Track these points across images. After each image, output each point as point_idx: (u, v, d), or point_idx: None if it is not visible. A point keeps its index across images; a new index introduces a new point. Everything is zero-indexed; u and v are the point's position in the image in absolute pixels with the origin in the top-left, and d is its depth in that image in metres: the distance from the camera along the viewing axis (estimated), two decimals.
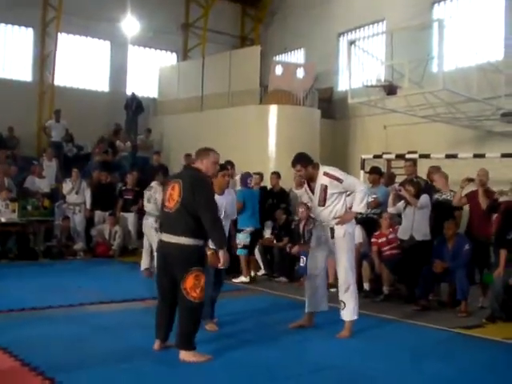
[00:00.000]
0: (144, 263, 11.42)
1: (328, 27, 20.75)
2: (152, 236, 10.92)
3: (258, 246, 12.09)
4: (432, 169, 10.88)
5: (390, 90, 12.77)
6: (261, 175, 13.09)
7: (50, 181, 15.92)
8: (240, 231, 11.39)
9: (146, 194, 11.44)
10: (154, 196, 11.09)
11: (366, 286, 10.04)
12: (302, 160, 7.45)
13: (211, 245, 6.35)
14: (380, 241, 10.15)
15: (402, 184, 10.44)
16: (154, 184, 11.30)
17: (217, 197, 7.09)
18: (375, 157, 14.41)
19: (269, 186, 13.45)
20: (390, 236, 10.08)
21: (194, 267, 5.98)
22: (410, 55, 12.92)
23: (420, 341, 7.31)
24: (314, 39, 21.37)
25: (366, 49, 14.49)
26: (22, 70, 20.56)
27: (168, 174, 11.26)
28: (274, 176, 13.16)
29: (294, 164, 7.45)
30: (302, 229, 11.54)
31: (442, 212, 9.82)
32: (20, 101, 19.48)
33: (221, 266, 6.28)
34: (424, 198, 9.80)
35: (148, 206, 11.35)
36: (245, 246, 11.45)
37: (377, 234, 10.28)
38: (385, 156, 14.35)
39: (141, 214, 13.85)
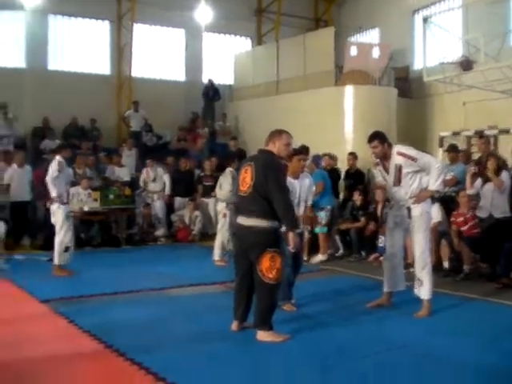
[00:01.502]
0: (216, 253, 11.41)
1: (402, 5, 20.47)
2: (220, 222, 11.22)
3: (335, 227, 12.14)
4: None
5: (467, 65, 12.58)
6: (330, 156, 13.10)
7: (131, 170, 16.24)
8: (320, 210, 11.49)
9: (220, 179, 11.57)
10: (222, 182, 11.24)
11: (446, 264, 9.93)
12: (378, 136, 7.41)
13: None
14: (458, 220, 9.99)
15: (477, 163, 10.26)
16: (227, 170, 11.38)
17: (291, 181, 7.14)
18: (454, 134, 14.17)
19: (345, 167, 13.42)
20: (468, 215, 9.91)
21: (269, 248, 6.03)
22: (487, 29, 12.64)
23: (501, 319, 7.21)
24: (389, 18, 21.08)
25: (442, 25, 14.22)
26: (100, 63, 20.93)
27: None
28: (351, 157, 13.14)
29: (370, 140, 7.40)
30: (380, 211, 11.50)
31: None
32: (100, 93, 19.91)
33: (292, 248, 6.32)
34: (505, 177, 9.63)
35: (218, 192, 11.53)
36: (325, 225, 11.55)
37: (455, 213, 10.13)
38: (463, 133, 14.11)
39: None
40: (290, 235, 6.15)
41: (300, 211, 7.54)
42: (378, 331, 6.53)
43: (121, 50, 20.78)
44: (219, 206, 11.57)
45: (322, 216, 11.66)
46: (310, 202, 8.10)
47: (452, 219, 10.12)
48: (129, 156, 16.92)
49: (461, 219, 9.97)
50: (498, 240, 9.20)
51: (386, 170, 7.43)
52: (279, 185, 6.07)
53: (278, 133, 6.44)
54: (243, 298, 6.37)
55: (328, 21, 24.24)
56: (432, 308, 7.23)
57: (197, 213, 14.95)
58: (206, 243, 14.18)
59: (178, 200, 15.40)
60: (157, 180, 15.23)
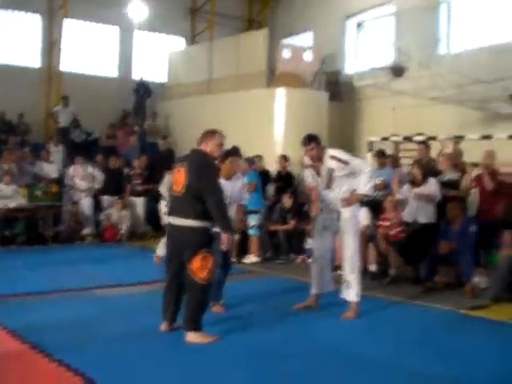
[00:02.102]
0: (160, 249, 11.29)
1: (336, 9, 20.69)
2: (163, 220, 11.03)
3: (264, 229, 12.21)
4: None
5: (397, 72, 12.76)
6: (260, 158, 13.20)
7: (58, 166, 15.96)
8: (252, 212, 11.54)
9: (166, 177, 11.45)
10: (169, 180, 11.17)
11: (373, 267, 10.09)
12: (314, 139, 7.44)
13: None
14: (385, 224, 10.18)
15: (411, 165, 10.47)
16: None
17: (224, 182, 7.14)
18: (383, 139, 14.38)
19: (275, 169, 13.49)
20: (395, 220, 10.11)
21: (201, 249, 6.04)
22: (418, 37, 12.89)
23: (425, 321, 7.38)
24: (322, 21, 21.29)
25: (374, 31, 14.43)
26: (30, 57, 20.53)
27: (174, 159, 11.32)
28: (283, 159, 13.19)
29: (307, 142, 7.39)
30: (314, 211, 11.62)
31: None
32: (28, 87, 19.54)
33: (225, 248, 6.32)
34: (432, 183, 9.86)
35: (162, 190, 11.45)
36: (258, 226, 11.66)
37: (382, 216, 10.32)
38: (392, 138, 14.32)
39: (154, 197, 14.21)
40: (224, 235, 6.15)
41: (231, 212, 7.55)
42: (306, 332, 6.60)
43: (52, 45, 20.43)
44: (161, 203, 11.45)
45: (255, 218, 11.73)
46: (243, 202, 8.11)
47: (379, 223, 10.30)
48: (56, 152, 16.61)
49: (387, 223, 10.16)
50: (422, 245, 9.39)
51: (318, 172, 7.49)
52: (212, 185, 6.08)
53: (210, 133, 6.44)
54: (173, 299, 6.35)
55: (262, 22, 24.37)
56: (360, 310, 7.33)
57: (125, 212, 14.82)
58: (134, 243, 14.11)
59: (106, 199, 15.18)
60: (85, 178, 14.99)
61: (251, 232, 11.82)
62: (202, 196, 6.01)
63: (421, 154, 11.30)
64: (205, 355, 5.68)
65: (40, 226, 14.03)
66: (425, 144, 11.68)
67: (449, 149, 11.31)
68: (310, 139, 7.42)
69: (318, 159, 7.43)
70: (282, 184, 13.01)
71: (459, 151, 11.54)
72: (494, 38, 15.19)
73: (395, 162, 11.75)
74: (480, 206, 10.02)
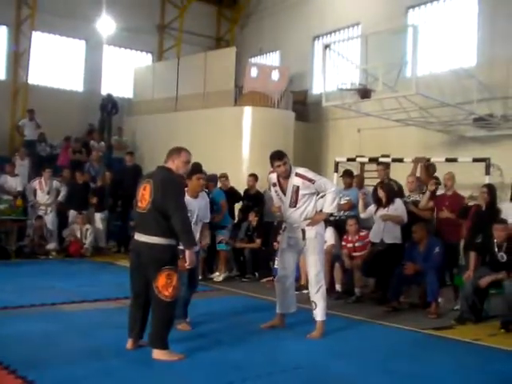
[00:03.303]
0: None
1: (303, 30, 20.86)
2: None
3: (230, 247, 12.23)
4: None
5: (364, 93, 12.86)
6: (226, 176, 13.24)
7: (23, 180, 15.76)
8: (220, 228, 11.59)
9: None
10: None
11: (338, 287, 10.14)
12: (285, 154, 7.43)
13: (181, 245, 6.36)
14: (348, 245, 10.27)
15: (375, 187, 10.54)
16: None
17: (190, 200, 7.12)
18: (349, 160, 14.48)
19: (241, 187, 13.51)
20: (357, 243, 10.23)
21: (166, 266, 6.00)
22: (385, 59, 13.00)
23: (390, 341, 7.40)
24: (290, 42, 21.48)
25: (341, 52, 14.56)
26: None
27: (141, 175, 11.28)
28: (252, 178, 13.13)
29: (280, 157, 7.33)
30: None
31: (413, 215, 9.99)
32: None
33: (187, 266, 6.29)
34: (398, 204, 9.96)
35: None
36: (227, 243, 11.79)
37: (345, 237, 10.40)
38: (358, 159, 14.44)
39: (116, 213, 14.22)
40: (188, 253, 6.12)
41: (197, 230, 7.53)
42: (271, 352, 6.57)
43: (18, 57, 20.29)
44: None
45: (224, 234, 11.79)
46: (206, 220, 8.06)
47: (343, 243, 10.38)
48: (21, 166, 16.46)
49: (350, 245, 10.24)
50: (388, 265, 9.45)
51: (283, 190, 7.48)
52: (177, 202, 6.05)
53: (177, 150, 6.41)
54: (138, 316, 6.30)
55: (230, 41, 24.51)
56: (325, 329, 7.34)
57: (88, 226, 14.75)
58: (98, 258, 14.01)
59: (71, 213, 15.06)
60: (50, 192, 14.85)
61: (219, 247, 11.83)
62: (167, 213, 5.98)
63: (381, 174, 11.38)
64: (171, 373, 5.63)
65: (3, 241, 13.87)
66: (384, 165, 11.79)
67: (416, 169, 11.39)
68: (283, 155, 7.39)
69: (284, 176, 7.41)
70: (249, 203, 12.98)
71: (433, 167, 11.65)
72: (459, 61, 15.43)
73: (361, 182, 11.81)
74: (440, 227, 10.14)
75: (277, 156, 7.37)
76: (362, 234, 10.31)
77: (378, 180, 11.33)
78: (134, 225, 6.45)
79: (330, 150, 18.65)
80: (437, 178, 10.93)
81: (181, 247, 6.29)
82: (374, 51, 13.90)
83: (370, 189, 11.33)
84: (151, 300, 6.12)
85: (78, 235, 14.63)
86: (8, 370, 5.42)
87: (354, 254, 10.16)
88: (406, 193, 10.80)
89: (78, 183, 15.48)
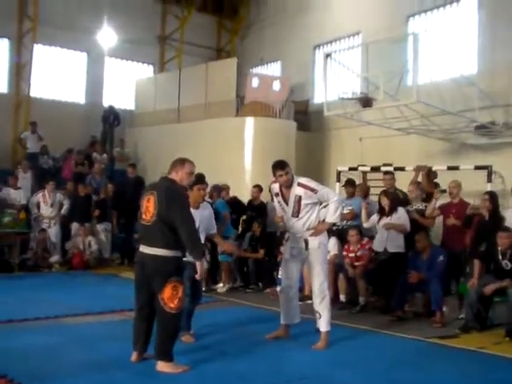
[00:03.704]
0: None
1: (304, 40, 20.89)
2: None
3: (233, 258, 12.20)
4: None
5: (366, 102, 12.88)
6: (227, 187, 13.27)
7: (26, 192, 15.76)
8: (225, 238, 11.56)
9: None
10: None
11: (343, 297, 10.12)
12: (287, 164, 7.43)
13: (189, 257, 6.35)
14: (350, 255, 10.27)
15: (379, 196, 10.53)
16: None
17: (192, 211, 7.11)
18: (351, 169, 14.47)
19: (244, 198, 13.52)
20: (359, 253, 10.22)
21: (171, 278, 5.99)
22: (386, 68, 13.02)
23: (394, 350, 7.39)
24: (290, 51, 21.51)
25: (342, 61, 14.59)
26: None
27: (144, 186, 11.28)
28: (257, 189, 13.09)
29: (283, 167, 7.34)
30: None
31: (415, 223, 9.99)
32: None
33: (198, 277, 6.28)
34: (401, 213, 9.96)
35: None
36: (229, 254, 11.72)
37: (346, 247, 10.38)
38: (360, 168, 14.43)
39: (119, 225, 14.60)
40: (198, 264, 6.10)
41: (201, 241, 7.51)
42: (276, 362, 6.56)
43: (20, 69, 20.34)
44: None
45: None
46: (213, 232, 8.05)
47: (344, 253, 10.37)
48: (24, 178, 16.45)
49: (352, 255, 10.24)
50: (392, 274, 9.44)
51: (286, 200, 7.47)
52: (184, 214, 6.04)
53: (180, 161, 6.40)
54: (143, 328, 6.28)
55: (230, 52, 24.57)
56: (329, 340, 7.33)
57: (90, 238, 14.80)
58: (102, 270, 14.00)
59: (74, 226, 15.09)
60: (54, 205, 14.87)
61: (221, 258, 11.81)
62: (173, 225, 5.97)
63: (387, 184, 11.38)
64: None
65: (6, 254, 13.88)
66: (391, 174, 11.77)
67: (417, 177, 11.40)
68: (285, 164, 7.39)
69: (287, 186, 7.41)
70: (253, 213, 12.96)
71: (433, 174, 11.66)
72: (460, 69, 15.44)
73: (364, 191, 11.80)
74: (447, 235, 10.12)
75: (279, 166, 7.38)
76: (363, 242, 10.30)
77: (381, 189, 11.33)
78: (139, 237, 6.43)
79: (332, 159, 18.64)
80: (437, 185, 10.93)
81: (186, 259, 6.30)
82: (374, 60, 13.94)
83: (373, 198, 11.33)
84: (156, 312, 6.11)
85: (81, 247, 14.64)
86: (12, 383, 5.41)
87: (356, 263, 10.15)
88: None
89: (80, 196, 15.51)
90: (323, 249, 7.54)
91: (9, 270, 13.39)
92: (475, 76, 15.16)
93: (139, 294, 6.30)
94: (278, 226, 11.41)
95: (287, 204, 7.44)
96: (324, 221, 7.45)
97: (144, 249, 6.15)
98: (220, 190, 12.49)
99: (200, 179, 7.79)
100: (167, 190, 6.12)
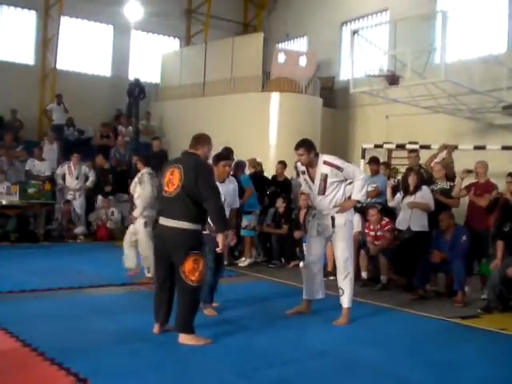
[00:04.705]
0: (129, 261, 9.79)
1: (331, 16, 20.75)
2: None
3: (257, 233, 12.24)
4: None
5: (392, 80, 12.78)
6: (255, 162, 13.24)
7: (52, 164, 15.87)
8: (247, 213, 11.60)
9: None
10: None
11: (364, 274, 10.11)
12: (305, 144, 7.41)
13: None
14: (371, 233, 10.24)
15: (405, 174, 10.48)
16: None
17: (217, 184, 7.14)
18: (376, 146, 14.42)
19: (269, 173, 13.51)
20: (379, 233, 10.16)
21: (193, 251, 6.03)
22: (413, 46, 12.91)
23: (416, 329, 7.38)
24: (317, 27, 21.37)
25: (369, 38, 14.47)
26: (24, 53, 20.51)
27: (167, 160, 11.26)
28: (281, 165, 13.08)
29: (297, 147, 7.39)
30: (302, 218, 11.57)
31: (439, 202, 9.94)
32: (22, 84, 19.51)
33: (220, 250, 6.29)
34: (425, 192, 9.91)
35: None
36: (253, 228, 11.87)
37: (367, 225, 10.35)
38: (385, 146, 14.37)
39: None
40: (220, 236, 6.12)
41: (227, 215, 7.55)
42: (298, 338, 6.60)
43: (46, 42, 20.39)
44: None
45: (250, 219, 11.78)
46: (236, 206, 8.11)
47: (365, 231, 10.35)
48: (50, 150, 16.57)
49: (372, 233, 10.21)
50: (414, 252, 9.42)
51: (312, 178, 7.46)
52: (211, 187, 6.07)
53: (203, 137, 6.45)
54: (164, 301, 6.33)
55: (257, 26, 24.45)
56: (351, 317, 7.36)
57: (112, 209, 14.99)
58: None
59: (99, 199, 15.22)
60: (79, 177, 14.96)
61: (244, 233, 11.84)
62: (198, 198, 6.00)
63: (413, 162, 11.32)
64: (197, 358, 5.67)
65: (31, 224, 14.02)
66: (416, 152, 11.71)
67: (443, 157, 11.33)
68: (301, 144, 7.40)
69: (308, 165, 7.41)
70: (277, 189, 12.95)
71: (451, 160, 11.58)
72: (489, 48, 15.27)
73: (388, 169, 11.75)
74: (471, 215, 10.05)
75: (297, 145, 7.42)
76: (383, 222, 10.26)
77: (406, 167, 11.28)
78: (159, 209, 6.47)
79: (357, 136, 18.59)
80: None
81: (206, 232, 6.33)
82: (402, 37, 13.85)
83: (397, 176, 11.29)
84: (177, 284, 6.16)
85: (104, 218, 14.78)
86: (36, 352, 5.50)
87: (376, 242, 10.12)
88: None
89: (103, 168, 15.61)
90: (349, 226, 7.54)
91: (34, 240, 13.54)
92: (504, 55, 15.00)
93: (159, 267, 6.35)
94: (298, 203, 11.51)
95: (313, 182, 7.44)
96: (350, 198, 7.44)
97: (165, 221, 6.16)
98: (244, 166, 12.47)
99: (227, 155, 7.82)
100: (195, 164, 6.14)
